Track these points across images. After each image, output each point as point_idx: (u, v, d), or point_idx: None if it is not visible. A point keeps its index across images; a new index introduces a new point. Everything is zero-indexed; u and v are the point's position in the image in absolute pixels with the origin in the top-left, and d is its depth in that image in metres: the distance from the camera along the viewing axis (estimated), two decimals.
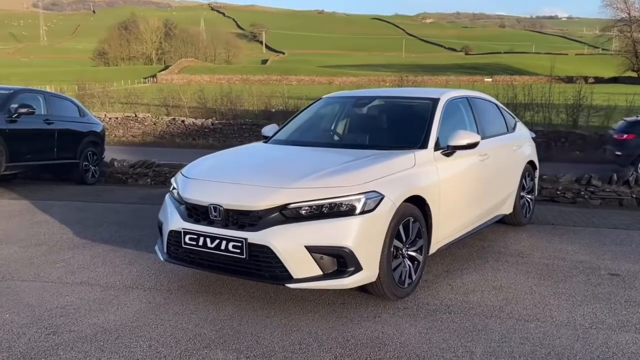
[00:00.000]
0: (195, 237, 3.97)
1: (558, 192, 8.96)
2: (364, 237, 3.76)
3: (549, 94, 19.55)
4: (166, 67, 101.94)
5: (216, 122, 21.08)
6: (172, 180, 4.61)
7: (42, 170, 9.89)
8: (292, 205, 3.76)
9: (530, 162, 6.58)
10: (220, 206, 3.90)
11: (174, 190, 4.45)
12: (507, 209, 6.12)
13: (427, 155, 4.57)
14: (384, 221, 3.88)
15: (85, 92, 28.52)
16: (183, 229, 4.04)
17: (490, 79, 75.07)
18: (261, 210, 3.80)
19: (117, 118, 22.02)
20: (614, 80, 76.11)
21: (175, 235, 4.11)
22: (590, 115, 19.52)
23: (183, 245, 4.05)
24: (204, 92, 24.05)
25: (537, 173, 6.87)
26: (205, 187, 4.13)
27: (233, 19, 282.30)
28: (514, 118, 6.66)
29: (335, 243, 3.70)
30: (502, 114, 6.33)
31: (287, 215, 3.77)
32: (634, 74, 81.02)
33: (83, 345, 3.45)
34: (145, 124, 21.79)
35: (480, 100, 5.94)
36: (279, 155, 4.81)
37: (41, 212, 7.27)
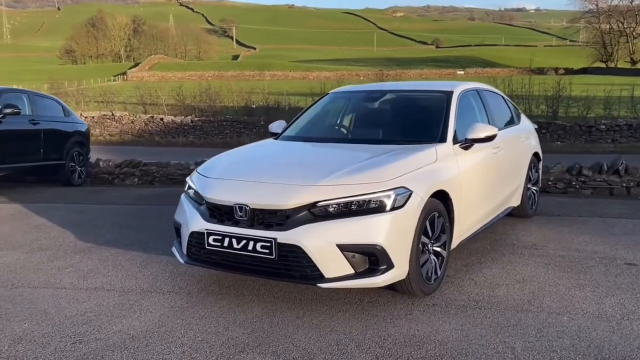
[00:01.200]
0: (220, 237, 3.88)
1: (549, 183, 9.05)
2: (395, 234, 3.72)
3: (529, 86, 19.79)
4: (136, 64, 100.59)
5: (196, 119, 20.88)
6: (188, 179, 4.50)
7: (28, 172, 9.61)
8: (321, 203, 3.70)
9: (535, 154, 6.62)
10: (246, 206, 3.81)
11: (190, 191, 4.35)
12: (516, 201, 6.14)
13: (447, 149, 4.54)
14: (413, 217, 3.84)
15: (58, 91, 27.92)
16: (207, 230, 3.94)
17: (462, 72, 75.90)
18: (289, 209, 3.72)
19: (93, 117, 21.63)
20: (584, 71, 77.58)
21: (198, 237, 4.01)
22: (570, 106, 19.83)
23: (206, 247, 3.95)
24: (182, 88, 23.76)
25: (541, 164, 6.91)
26: (228, 186, 4.03)
27: (202, 15, 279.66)
28: (517, 109, 6.68)
29: (368, 241, 3.65)
30: (508, 106, 6.36)
31: (316, 213, 3.71)
32: (603, 65, 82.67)
33: (114, 354, 3.33)
34: (123, 122, 21.46)
35: (489, 92, 5.95)
36: (297, 152, 4.75)
37: (36, 216, 7.05)
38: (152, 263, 5.05)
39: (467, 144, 4.70)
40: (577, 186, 8.94)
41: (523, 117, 6.74)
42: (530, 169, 6.41)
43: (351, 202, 3.71)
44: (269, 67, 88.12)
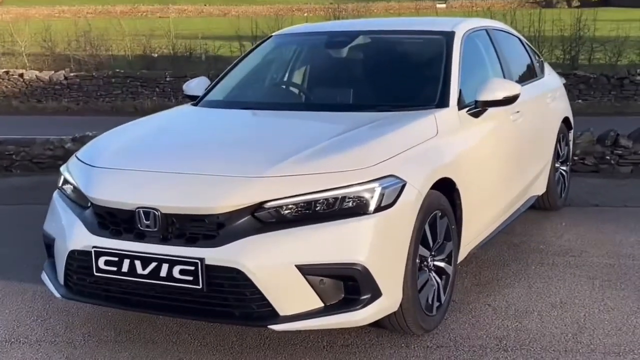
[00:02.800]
0: (117, 259, 3.62)
1: (575, 158, 9.01)
2: (382, 247, 3.56)
3: (539, 24, 19.92)
4: None
5: (72, 74, 20.23)
6: (63, 169, 4.24)
7: None
8: (270, 204, 3.50)
9: (565, 120, 6.62)
10: (156, 210, 3.56)
11: (67, 186, 4.10)
12: (541, 187, 6.12)
13: (451, 116, 4.43)
14: (408, 220, 3.69)
15: None
16: (94, 247, 3.67)
17: (444, 5, 76.48)
18: (223, 214, 3.50)
19: None
20: (605, 2, 79.57)
21: (81, 258, 3.76)
22: (594, 51, 20.09)
23: (95, 273, 3.69)
24: (50, 31, 22.94)
25: (572, 134, 6.89)
26: (126, 180, 3.80)
27: None
28: (539, 57, 6.64)
29: (342, 258, 3.48)
30: (528, 53, 6.36)
31: (263, 219, 3.51)
32: None
33: None
34: None
35: (502, 32, 5.92)
36: (229, 126, 4.59)
37: None
38: (10, 297, 4.78)
39: (478, 109, 4.60)
40: (613, 162, 8.94)
41: (547, 68, 6.75)
42: (559, 141, 6.39)
43: (316, 201, 3.52)
44: None
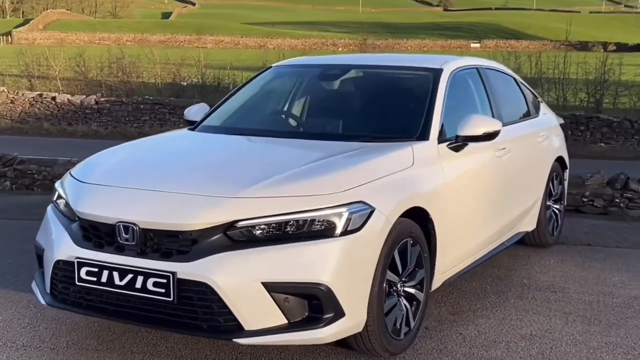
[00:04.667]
0: (97, 270, 3.77)
1: (584, 200, 9.05)
2: (347, 269, 3.67)
3: (564, 66, 19.99)
4: (26, 22, 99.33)
5: (102, 99, 20.62)
6: (57, 185, 4.41)
7: None
8: (242, 223, 3.64)
9: (560, 159, 6.66)
10: (135, 225, 3.72)
11: (60, 201, 4.26)
12: (530, 224, 6.15)
13: (430, 149, 4.53)
14: (374, 245, 3.79)
15: None
16: (77, 258, 3.83)
17: (478, 44, 76.83)
18: (197, 231, 3.65)
19: None
20: None
21: (65, 268, 3.91)
22: (619, 95, 20.07)
23: (77, 283, 3.84)
24: (84, 56, 23.45)
25: (567, 174, 6.92)
26: (110, 196, 3.96)
27: None
28: (536, 97, 6.71)
29: (307, 278, 3.59)
30: (522, 92, 6.41)
31: (235, 237, 3.64)
32: None
33: None
34: None
35: (495, 72, 5.98)
36: (217, 150, 4.72)
37: None
38: (5, 304, 4.92)
39: (458, 144, 4.69)
40: (622, 205, 8.96)
41: (544, 108, 6.77)
42: (551, 179, 6.43)
43: (286, 222, 3.65)
44: (212, 30, 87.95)
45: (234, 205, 3.67)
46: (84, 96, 20.97)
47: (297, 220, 3.64)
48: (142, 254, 3.70)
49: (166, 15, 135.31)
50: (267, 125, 5.25)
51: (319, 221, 3.66)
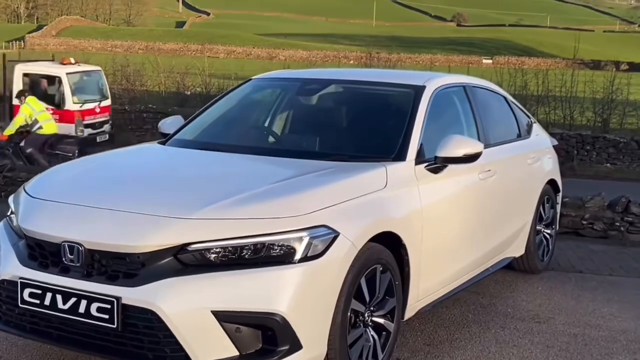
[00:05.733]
0: (40, 292, 3.60)
1: (584, 222, 8.82)
2: (305, 298, 3.50)
3: (571, 84, 19.77)
4: (39, 27, 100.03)
5: None
6: (10, 199, 4.25)
7: None
8: (195, 246, 3.46)
9: (551, 182, 6.48)
10: (80, 244, 3.55)
11: (13, 216, 4.08)
12: (518, 249, 5.99)
13: (405, 170, 4.37)
14: (337, 272, 3.62)
15: None
16: (21, 278, 3.66)
17: (490, 61, 76.67)
18: (145, 253, 3.47)
19: None
20: None
21: (9, 288, 3.75)
22: (627, 115, 19.83)
23: (20, 305, 3.68)
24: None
25: (559, 197, 6.73)
26: (57, 213, 3.79)
27: None
28: (528, 117, 6.56)
29: (261, 307, 3.42)
30: (514, 112, 6.25)
31: (186, 261, 3.47)
32: None
33: None
34: None
35: (483, 90, 5.82)
36: (182, 166, 4.57)
37: None
38: None
39: (436, 165, 4.52)
40: (622, 229, 8.73)
41: (536, 128, 6.61)
42: (542, 203, 6.25)
43: (243, 246, 3.49)
44: (224, 40, 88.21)
45: (186, 227, 3.49)
46: None
47: (254, 244, 3.48)
48: (87, 276, 3.54)
49: (180, 25, 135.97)
50: (240, 141, 5.07)
51: (277, 246, 3.49)
